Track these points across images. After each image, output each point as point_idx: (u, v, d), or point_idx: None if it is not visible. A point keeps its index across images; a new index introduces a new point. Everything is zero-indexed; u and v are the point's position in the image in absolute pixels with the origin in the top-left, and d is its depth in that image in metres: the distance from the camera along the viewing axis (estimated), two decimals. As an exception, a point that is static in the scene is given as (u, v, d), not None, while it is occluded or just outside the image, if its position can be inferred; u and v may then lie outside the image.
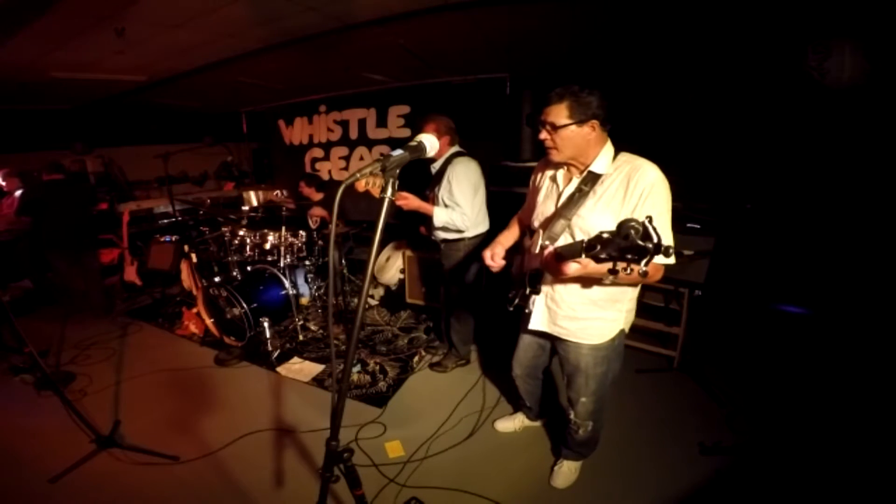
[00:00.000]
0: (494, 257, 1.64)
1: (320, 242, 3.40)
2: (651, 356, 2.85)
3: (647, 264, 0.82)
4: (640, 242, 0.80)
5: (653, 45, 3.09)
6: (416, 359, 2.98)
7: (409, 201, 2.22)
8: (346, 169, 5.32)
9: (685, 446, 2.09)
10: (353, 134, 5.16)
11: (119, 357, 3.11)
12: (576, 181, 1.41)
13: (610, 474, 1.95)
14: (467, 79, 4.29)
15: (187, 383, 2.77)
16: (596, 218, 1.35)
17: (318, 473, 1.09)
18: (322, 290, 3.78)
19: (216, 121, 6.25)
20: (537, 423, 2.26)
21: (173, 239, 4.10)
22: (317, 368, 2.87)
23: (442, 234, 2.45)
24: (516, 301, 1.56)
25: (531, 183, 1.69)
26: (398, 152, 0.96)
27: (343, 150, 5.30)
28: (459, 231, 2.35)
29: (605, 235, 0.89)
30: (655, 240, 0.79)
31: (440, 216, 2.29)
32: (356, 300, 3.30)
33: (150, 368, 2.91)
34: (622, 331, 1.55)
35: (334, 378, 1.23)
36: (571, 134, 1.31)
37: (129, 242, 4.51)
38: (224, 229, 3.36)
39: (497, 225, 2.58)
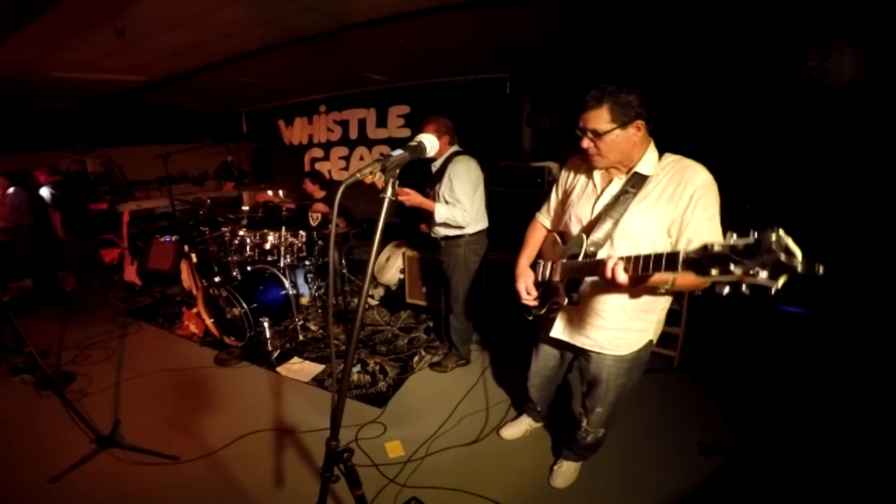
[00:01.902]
0: (530, 291, 1.51)
1: (320, 242, 3.40)
2: (651, 356, 2.82)
3: (783, 282, 0.70)
4: (784, 258, 0.68)
5: (652, 45, 3.09)
6: (416, 359, 2.98)
7: (412, 197, 2.24)
8: (346, 169, 5.33)
9: (685, 446, 2.09)
10: (353, 134, 5.17)
11: (119, 357, 3.11)
12: (618, 182, 1.33)
13: (610, 474, 1.95)
14: (467, 79, 4.29)
15: (187, 383, 2.77)
16: (645, 222, 1.26)
17: (318, 473, 1.09)
18: (322, 290, 3.77)
19: (216, 121, 6.25)
20: (541, 425, 2.24)
21: (173, 239, 4.10)
22: (317, 368, 2.87)
23: (442, 231, 2.46)
24: (543, 311, 1.46)
25: (560, 184, 1.58)
26: (398, 152, 0.96)
27: (343, 150, 5.31)
28: (460, 227, 2.37)
29: (717, 249, 0.77)
30: (799, 254, 0.68)
31: (441, 212, 2.32)
32: (356, 300, 3.30)
33: (150, 368, 2.91)
34: (650, 342, 1.48)
35: (334, 378, 1.23)
36: (617, 139, 1.22)
37: (129, 242, 4.51)
38: (224, 229, 3.35)
39: (496, 224, 2.59)
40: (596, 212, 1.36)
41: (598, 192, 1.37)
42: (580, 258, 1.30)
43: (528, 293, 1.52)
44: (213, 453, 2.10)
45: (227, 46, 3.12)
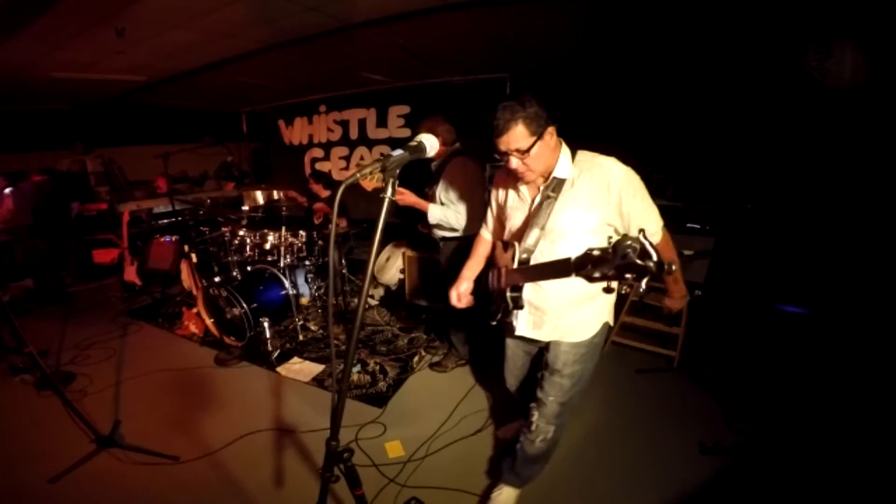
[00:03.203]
0: (461, 298, 1.61)
1: (320, 242, 3.40)
2: (651, 356, 2.84)
3: (646, 283, 0.79)
4: (640, 262, 0.77)
5: (653, 45, 3.10)
6: (416, 359, 2.97)
7: (405, 197, 2.24)
8: (346, 169, 5.33)
9: (685, 446, 2.09)
10: (354, 134, 5.17)
11: (119, 357, 3.11)
12: (541, 189, 1.38)
13: (610, 474, 1.95)
14: (467, 79, 4.29)
15: (187, 383, 2.77)
16: (569, 222, 1.33)
17: (318, 473, 1.09)
18: (322, 290, 3.77)
19: (216, 121, 6.26)
20: None
21: (173, 239, 4.10)
22: (317, 368, 2.87)
23: (440, 233, 2.45)
24: (499, 316, 1.51)
25: (492, 199, 1.64)
26: (398, 152, 0.96)
27: (343, 150, 5.31)
28: (454, 230, 2.35)
29: (596, 253, 0.86)
30: (655, 258, 0.77)
31: (434, 213, 2.31)
32: (356, 300, 3.30)
33: (150, 368, 2.91)
34: (606, 324, 1.52)
35: (334, 378, 1.22)
36: (539, 151, 1.28)
37: (129, 242, 4.51)
38: (224, 229, 3.35)
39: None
40: (525, 220, 1.43)
41: (529, 201, 1.43)
42: (514, 266, 1.37)
43: (459, 300, 1.61)
44: (213, 453, 2.10)
45: (227, 46, 3.13)
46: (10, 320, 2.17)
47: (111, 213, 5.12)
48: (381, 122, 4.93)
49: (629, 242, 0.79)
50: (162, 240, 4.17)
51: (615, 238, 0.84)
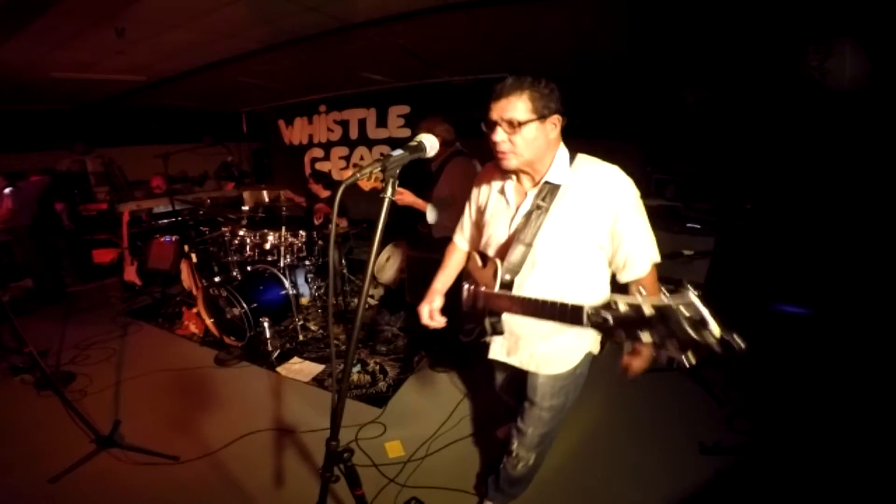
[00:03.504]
0: (433, 316, 1.40)
1: (320, 242, 3.40)
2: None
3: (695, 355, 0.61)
4: (694, 333, 0.59)
5: (653, 45, 3.10)
6: (416, 359, 2.97)
7: (404, 196, 2.25)
8: (346, 169, 5.33)
9: (685, 446, 2.09)
10: (353, 134, 5.17)
11: (119, 357, 3.11)
12: (531, 196, 1.20)
13: (609, 474, 1.95)
14: (467, 79, 4.29)
15: (187, 383, 2.77)
16: (560, 240, 1.17)
17: (318, 473, 1.09)
18: (322, 290, 3.77)
19: (216, 121, 6.26)
20: None
21: (173, 239, 4.10)
22: (317, 368, 2.87)
23: (441, 232, 2.45)
24: (474, 337, 1.36)
25: (472, 202, 1.45)
26: (398, 152, 0.96)
27: (343, 150, 5.31)
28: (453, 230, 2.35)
29: (624, 309, 0.68)
30: (717, 331, 0.59)
31: (433, 213, 2.31)
32: (356, 300, 3.30)
33: (150, 368, 2.91)
34: (588, 354, 1.36)
35: (334, 378, 1.22)
36: (534, 133, 1.09)
37: (129, 242, 4.51)
38: (224, 229, 3.35)
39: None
40: (511, 232, 1.24)
41: (513, 210, 1.25)
42: (496, 288, 1.20)
43: (431, 318, 1.41)
44: (213, 453, 2.10)
45: (227, 46, 3.13)
46: (10, 320, 2.17)
47: (111, 213, 5.12)
48: (381, 122, 4.93)
49: (682, 309, 0.60)
50: (162, 240, 4.16)
51: (644, 299, 0.65)
